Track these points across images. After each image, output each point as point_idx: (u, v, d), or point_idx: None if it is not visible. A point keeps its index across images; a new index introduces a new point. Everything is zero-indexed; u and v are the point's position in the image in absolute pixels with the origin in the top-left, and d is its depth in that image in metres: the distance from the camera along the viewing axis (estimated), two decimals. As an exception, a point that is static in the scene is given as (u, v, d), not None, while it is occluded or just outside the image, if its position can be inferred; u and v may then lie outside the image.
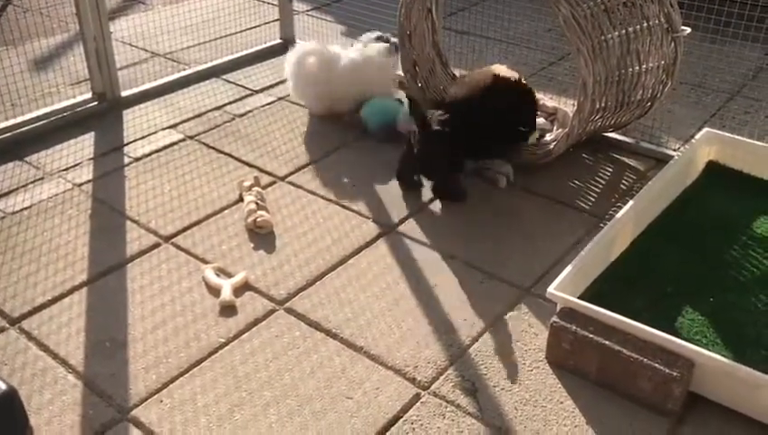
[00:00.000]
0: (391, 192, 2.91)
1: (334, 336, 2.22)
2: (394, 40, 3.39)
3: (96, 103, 3.45)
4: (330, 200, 2.85)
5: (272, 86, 3.74)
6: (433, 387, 2.06)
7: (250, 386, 2.05)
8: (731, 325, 2.16)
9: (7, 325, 2.25)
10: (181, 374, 2.09)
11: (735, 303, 2.26)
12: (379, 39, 3.42)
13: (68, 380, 2.07)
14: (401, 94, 3.45)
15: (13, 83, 3.30)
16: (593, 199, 2.87)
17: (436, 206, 2.84)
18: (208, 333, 2.23)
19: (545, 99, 3.33)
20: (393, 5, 3.46)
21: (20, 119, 3.24)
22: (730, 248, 2.50)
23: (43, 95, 3.52)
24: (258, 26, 4.37)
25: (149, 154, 3.14)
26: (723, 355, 1.98)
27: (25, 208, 2.79)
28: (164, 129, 3.34)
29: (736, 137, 2.98)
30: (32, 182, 2.94)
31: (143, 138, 3.26)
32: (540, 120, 3.18)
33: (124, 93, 3.54)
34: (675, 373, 1.92)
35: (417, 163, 2.85)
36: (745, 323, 2.18)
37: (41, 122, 3.28)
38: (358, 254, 2.57)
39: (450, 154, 2.78)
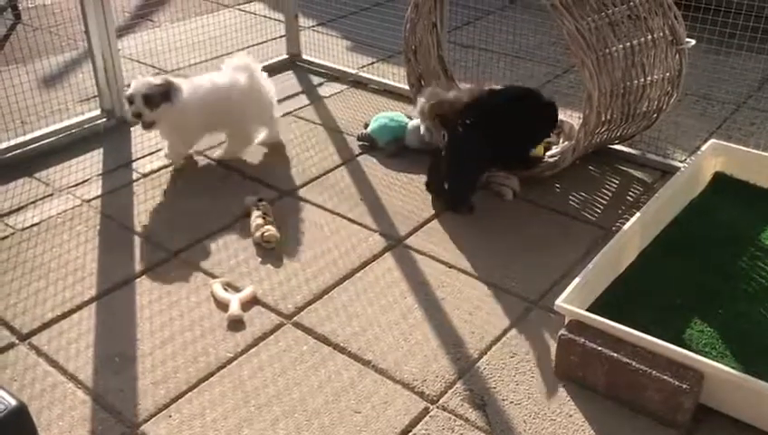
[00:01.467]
0: (398, 205, 2.91)
1: (342, 350, 2.22)
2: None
3: (104, 120, 3.48)
4: (336, 214, 2.86)
5: (279, 102, 3.75)
6: (442, 401, 2.06)
7: (258, 401, 2.05)
8: (740, 337, 2.15)
9: (17, 341, 2.26)
10: (190, 389, 2.09)
11: (745, 314, 2.25)
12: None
13: (77, 395, 2.08)
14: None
15: (22, 101, 3.32)
16: (600, 211, 2.87)
17: (443, 219, 2.84)
18: (216, 347, 2.23)
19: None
20: (397, 20, 3.48)
21: (29, 136, 3.27)
22: (738, 259, 2.50)
23: (53, 112, 3.54)
24: (265, 42, 4.40)
25: (157, 170, 3.16)
26: (732, 367, 1.97)
27: (35, 225, 2.80)
28: (172, 144, 3.36)
29: (743, 148, 2.98)
30: (41, 198, 2.96)
31: (151, 154, 3.28)
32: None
33: (132, 110, 3.57)
34: (684, 386, 1.91)
35: (444, 165, 2.85)
36: (755, 334, 2.17)
37: (50, 139, 3.31)
38: (365, 267, 2.57)
39: (478, 156, 2.79)
